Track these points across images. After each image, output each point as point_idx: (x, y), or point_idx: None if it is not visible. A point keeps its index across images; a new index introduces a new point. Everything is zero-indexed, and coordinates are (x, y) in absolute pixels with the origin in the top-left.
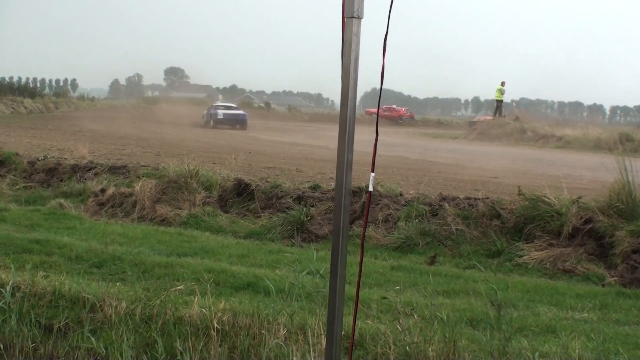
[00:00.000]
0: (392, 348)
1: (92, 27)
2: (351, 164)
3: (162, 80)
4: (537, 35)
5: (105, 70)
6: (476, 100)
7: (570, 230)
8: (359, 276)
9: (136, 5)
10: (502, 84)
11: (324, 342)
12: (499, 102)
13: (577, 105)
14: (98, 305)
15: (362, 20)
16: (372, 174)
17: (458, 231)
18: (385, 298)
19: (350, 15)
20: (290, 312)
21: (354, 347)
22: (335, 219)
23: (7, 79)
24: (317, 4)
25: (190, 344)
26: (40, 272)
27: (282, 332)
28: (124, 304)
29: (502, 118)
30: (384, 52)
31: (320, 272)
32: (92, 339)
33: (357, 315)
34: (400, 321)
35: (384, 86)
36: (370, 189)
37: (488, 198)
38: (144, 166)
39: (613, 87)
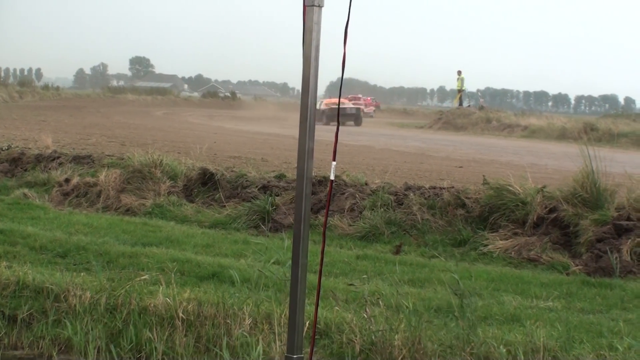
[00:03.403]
0: (357, 337)
1: (56, 16)
2: (312, 151)
3: (127, 69)
4: (503, 25)
5: (70, 59)
6: (442, 89)
7: (535, 219)
8: (321, 264)
9: None
10: (459, 72)
11: None
12: (462, 91)
13: (542, 95)
14: (62, 296)
15: (322, 8)
16: (334, 163)
17: (423, 220)
18: (352, 284)
19: (311, 3)
20: (256, 301)
21: (319, 336)
22: (297, 207)
23: None
24: None
25: (155, 334)
26: (4, 262)
27: (248, 321)
28: (88, 294)
29: (467, 108)
30: (344, 41)
31: (284, 261)
32: (57, 329)
33: (323, 305)
34: (367, 310)
35: (348, 75)
36: (332, 177)
37: (453, 187)
38: (108, 156)
39: (578, 77)
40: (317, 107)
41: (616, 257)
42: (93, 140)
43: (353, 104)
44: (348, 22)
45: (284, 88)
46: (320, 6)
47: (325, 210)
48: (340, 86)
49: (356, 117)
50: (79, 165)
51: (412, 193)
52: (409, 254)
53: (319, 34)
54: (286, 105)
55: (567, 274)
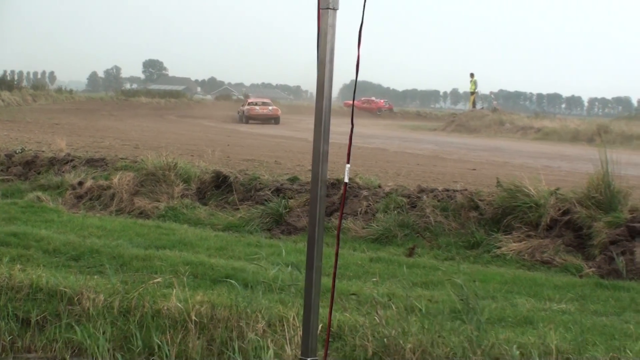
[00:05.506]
0: (370, 340)
1: (70, 20)
2: (327, 154)
3: (140, 72)
4: (516, 27)
5: (83, 63)
6: (455, 92)
7: (548, 221)
8: (335, 267)
9: None
10: (472, 75)
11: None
12: (475, 94)
13: (555, 97)
14: (76, 299)
15: (337, 11)
16: (348, 165)
17: (437, 223)
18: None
19: (326, 6)
20: (268, 304)
21: (331, 339)
22: (311, 210)
23: None
24: None
25: (168, 337)
26: (18, 266)
27: (261, 324)
28: (101, 297)
29: (480, 110)
30: (359, 44)
31: (297, 264)
32: (70, 332)
33: (335, 307)
34: (379, 313)
35: (361, 78)
36: (346, 180)
37: (466, 189)
38: (122, 159)
39: (591, 79)
40: None
41: (622, 260)
42: (106, 144)
43: None
44: (362, 24)
45: (297, 91)
46: (335, 9)
47: (339, 213)
48: (355, 87)
49: None
50: (93, 168)
51: (426, 195)
52: (422, 256)
53: (334, 36)
54: (298, 107)
55: (581, 276)
